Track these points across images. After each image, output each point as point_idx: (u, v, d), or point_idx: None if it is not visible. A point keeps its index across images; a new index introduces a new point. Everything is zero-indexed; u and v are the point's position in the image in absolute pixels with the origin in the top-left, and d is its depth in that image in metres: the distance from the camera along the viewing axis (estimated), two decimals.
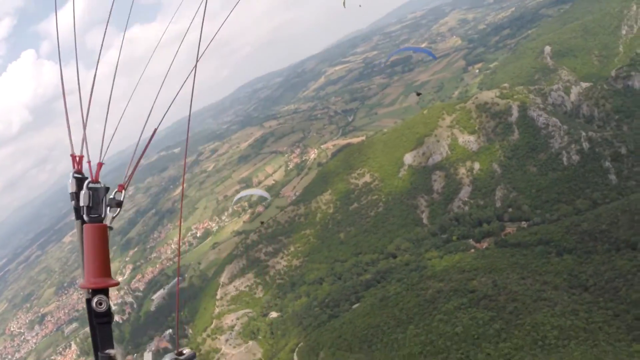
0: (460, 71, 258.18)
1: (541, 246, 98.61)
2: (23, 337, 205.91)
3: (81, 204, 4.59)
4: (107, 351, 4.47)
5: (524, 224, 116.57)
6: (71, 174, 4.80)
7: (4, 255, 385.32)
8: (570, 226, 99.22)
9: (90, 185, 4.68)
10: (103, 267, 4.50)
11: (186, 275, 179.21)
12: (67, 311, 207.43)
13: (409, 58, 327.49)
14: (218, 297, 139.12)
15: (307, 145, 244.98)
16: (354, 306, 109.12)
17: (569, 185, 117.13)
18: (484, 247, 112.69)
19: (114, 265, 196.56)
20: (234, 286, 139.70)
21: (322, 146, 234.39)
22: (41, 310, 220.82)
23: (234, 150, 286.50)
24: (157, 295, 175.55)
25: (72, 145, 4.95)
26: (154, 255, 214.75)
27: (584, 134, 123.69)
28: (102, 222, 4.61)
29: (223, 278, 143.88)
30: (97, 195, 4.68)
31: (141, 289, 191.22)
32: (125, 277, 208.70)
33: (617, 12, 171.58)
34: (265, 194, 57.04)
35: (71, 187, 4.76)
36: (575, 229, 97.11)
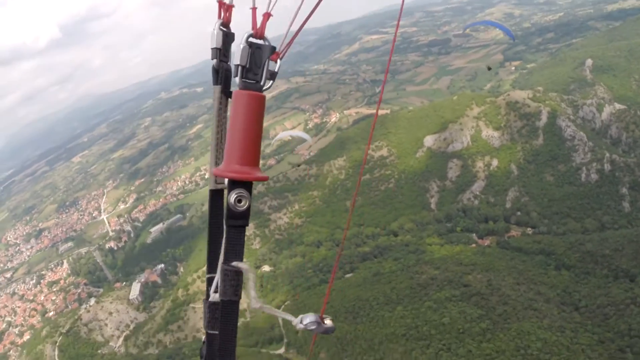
0: (497, 65, 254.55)
1: (542, 256, 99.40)
2: (18, 248, 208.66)
3: (236, 62, 3.54)
4: (234, 263, 3.49)
5: (529, 230, 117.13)
6: (216, 24, 3.89)
7: (12, 165, 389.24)
8: (575, 243, 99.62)
9: (252, 40, 3.58)
10: (253, 152, 3.51)
11: (187, 214, 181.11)
12: (64, 229, 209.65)
13: (447, 41, 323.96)
14: None
15: (330, 107, 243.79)
16: (347, 275, 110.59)
17: (582, 202, 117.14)
18: (485, 244, 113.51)
19: (117, 192, 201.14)
20: None
21: (345, 111, 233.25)
22: (40, 225, 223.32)
23: None
24: (156, 229, 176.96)
25: None
26: (159, 188, 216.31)
27: (607, 154, 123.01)
28: (260, 91, 3.57)
29: None
30: (259, 55, 3.59)
31: (141, 220, 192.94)
32: (127, 206, 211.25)
33: None
34: (306, 136, 56.59)
35: (215, 41, 3.89)
36: (578, 247, 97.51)
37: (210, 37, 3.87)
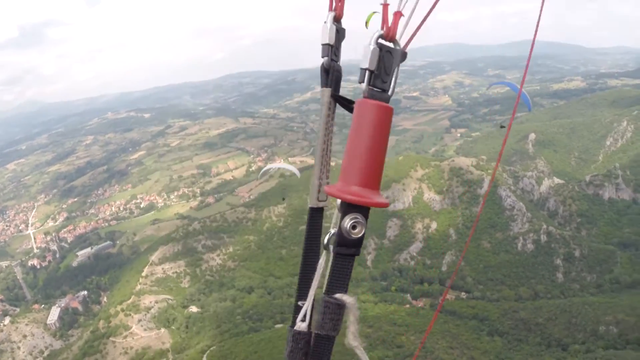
0: (443, 130, 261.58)
1: (475, 321, 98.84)
2: None
3: (364, 65, 2.81)
4: (338, 296, 2.85)
5: (463, 294, 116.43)
6: (328, 17, 3.21)
7: None
8: (509, 310, 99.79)
9: (382, 42, 2.86)
10: (377, 173, 2.86)
11: (118, 242, 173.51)
12: None
13: (397, 101, 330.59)
14: (144, 274, 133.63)
15: (276, 153, 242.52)
16: (277, 326, 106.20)
17: (517, 270, 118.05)
18: (419, 305, 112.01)
19: (47, 208, 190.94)
20: (163, 268, 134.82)
21: (290, 159, 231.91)
22: None
23: (203, 135, 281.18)
24: (83, 253, 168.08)
25: None
26: (92, 211, 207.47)
27: (544, 226, 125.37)
28: (388, 101, 2.86)
29: (154, 257, 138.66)
30: (390, 61, 2.87)
31: (69, 241, 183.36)
32: (56, 223, 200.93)
33: (608, 122, 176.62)
34: (296, 171, 53.60)
35: (328, 36, 3.20)
36: (512, 315, 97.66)
37: (321, 31, 3.25)
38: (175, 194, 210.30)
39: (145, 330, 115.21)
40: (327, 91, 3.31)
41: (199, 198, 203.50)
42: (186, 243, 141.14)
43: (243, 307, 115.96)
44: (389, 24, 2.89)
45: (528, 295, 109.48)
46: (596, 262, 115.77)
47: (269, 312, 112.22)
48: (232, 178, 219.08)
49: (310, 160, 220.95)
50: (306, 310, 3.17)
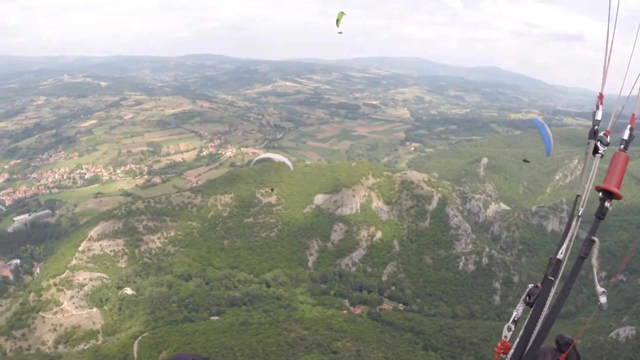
0: (398, 142, 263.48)
1: (411, 334, 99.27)
2: None
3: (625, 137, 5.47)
4: (594, 237, 5.01)
5: (401, 306, 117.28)
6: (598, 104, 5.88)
7: None
8: (445, 327, 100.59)
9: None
10: (619, 181, 5.23)
11: (57, 212, 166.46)
12: None
13: (356, 107, 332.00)
14: (80, 249, 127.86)
15: (229, 141, 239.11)
16: (213, 318, 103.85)
17: (456, 289, 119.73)
18: (357, 312, 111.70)
19: None
20: (101, 245, 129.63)
21: (242, 148, 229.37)
22: None
23: (158, 112, 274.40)
24: (20, 219, 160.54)
25: None
26: (34, 175, 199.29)
27: (487, 249, 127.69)
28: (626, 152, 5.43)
29: (93, 232, 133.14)
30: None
31: (6, 204, 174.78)
32: None
33: (560, 158, 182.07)
34: (290, 165, 52.31)
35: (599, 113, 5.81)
36: (448, 331, 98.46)
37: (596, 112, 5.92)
38: (122, 169, 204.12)
39: (76, 308, 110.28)
40: (592, 142, 5.56)
41: (146, 176, 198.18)
42: (127, 221, 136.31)
43: (179, 294, 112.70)
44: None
45: (464, 314, 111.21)
46: None
47: (205, 302, 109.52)
48: (181, 160, 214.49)
49: (263, 153, 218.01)
50: (564, 248, 5.24)
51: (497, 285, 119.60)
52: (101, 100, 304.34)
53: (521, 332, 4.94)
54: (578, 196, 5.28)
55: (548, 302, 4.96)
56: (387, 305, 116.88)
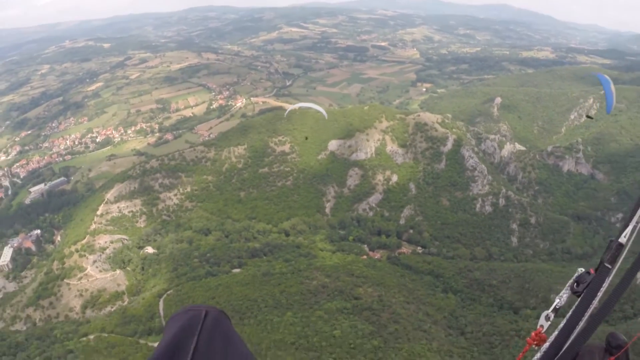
0: (409, 83, 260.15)
1: (430, 277, 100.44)
2: None
3: None
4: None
5: (419, 249, 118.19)
6: None
7: None
8: (464, 269, 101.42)
9: None
10: None
11: (72, 178, 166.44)
12: None
13: (364, 49, 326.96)
14: (99, 213, 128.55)
15: (238, 92, 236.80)
16: (235, 270, 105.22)
17: (474, 231, 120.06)
18: (376, 257, 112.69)
19: (0, 141, 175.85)
20: (118, 207, 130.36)
21: (252, 98, 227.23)
22: None
23: (163, 68, 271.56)
24: (36, 189, 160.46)
25: None
26: (45, 144, 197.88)
27: (504, 190, 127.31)
28: None
29: (109, 195, 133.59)
30: None
31: (21, 176, 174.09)
32: (8, 158, 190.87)
33: (575, 97, 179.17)
34: (324, 112, 52.25)
35: None
36: (467, 274, 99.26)
37: None
38: (133, 129, 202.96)
39: (100, 271, 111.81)
40: None
41: (157, 134, 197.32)
42: (143, 181, 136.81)
43: (200, 249, 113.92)
44: None
45: (482, 255, 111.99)
46: (550, 231, 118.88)
47: (226, 256, 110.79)
48: (192, 115, 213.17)
49: (275, 102, 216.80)
50: (628, 230, 4.35)
51: (515, 226, 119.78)
52: (105, 62, 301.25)
53: (561, 325, 4.21)
54: None
55: (599, 295, 4.20)
56: (405, 249, 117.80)
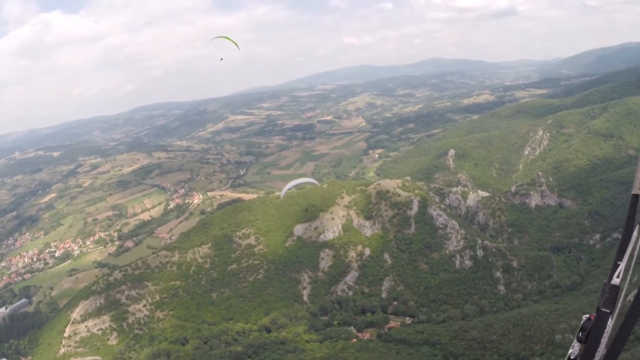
0: (361, 152, 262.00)
1: (427, 346, 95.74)
2: None
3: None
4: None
5: (408, 319, 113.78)
6: None
7: None
8: (459, 331, 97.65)
9: None
10: None
11: (34, 299, 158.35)
12: None
13: (312, 126, 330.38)
14: (66, 334, 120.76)
15: (193, 188, 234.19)
16: None
17: (459, 288, 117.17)
18: (366, 337, 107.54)
19: None
20: (86, 326, 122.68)
21: (208, 193, 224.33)
22: None
23: (115, 172, 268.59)
24: None
25: None
26: (3, 264, 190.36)
27: (479, 241, 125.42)
28: None
29: (75, 314, 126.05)
30: None
31: None
32: None
33: (524, 133, 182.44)
34: (315, 182, 49.74)
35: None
36: (463, 335, 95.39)
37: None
38: (91, 239, 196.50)
39: None
40: None
41: (117, 242, 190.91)
42: (108, 295, 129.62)
43: None
44: None
45: (474, 312, 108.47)
46: (534, 270, 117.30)
47: None
48: (149, 218, 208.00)
49: (232, 194, 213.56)
50: (621, 270, 4.28)
51: (499, 274, 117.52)
52: (57, 172, 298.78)
53: None
54: (634, 196, 4.42)
55: (604, 340, 4.13)
56: (394, 323, 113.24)
